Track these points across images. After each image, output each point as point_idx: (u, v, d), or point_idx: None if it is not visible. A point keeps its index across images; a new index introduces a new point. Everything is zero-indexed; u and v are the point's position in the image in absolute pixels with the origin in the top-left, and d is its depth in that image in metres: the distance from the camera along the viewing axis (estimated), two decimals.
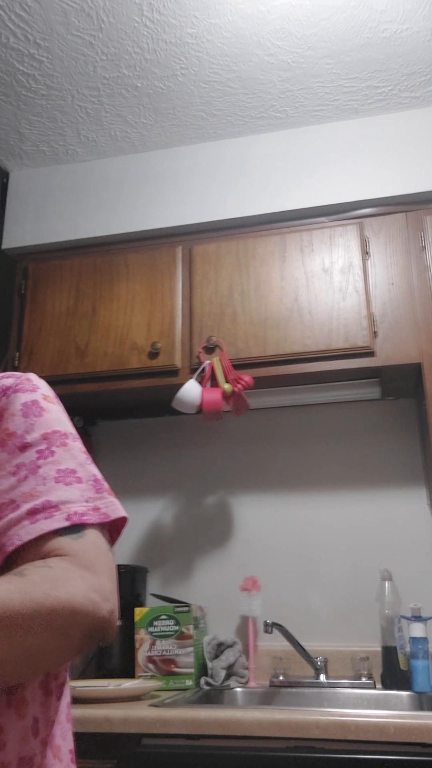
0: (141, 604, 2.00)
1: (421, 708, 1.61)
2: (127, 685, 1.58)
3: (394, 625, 1.74)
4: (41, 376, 1.94)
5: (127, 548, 2.14)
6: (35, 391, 0.75)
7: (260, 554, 2.05)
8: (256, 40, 1.77)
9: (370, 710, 1.29)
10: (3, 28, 1.71)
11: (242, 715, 1.27)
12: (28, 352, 2.02)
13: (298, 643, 1.80)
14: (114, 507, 0.70)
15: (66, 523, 0.64)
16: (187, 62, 1.83)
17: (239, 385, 1.81)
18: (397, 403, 2.09)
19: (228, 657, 1.80)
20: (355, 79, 1.90)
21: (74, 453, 0.71)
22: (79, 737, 1.32)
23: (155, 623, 1.78)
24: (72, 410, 2.13)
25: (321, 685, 1.76)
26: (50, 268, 2.11)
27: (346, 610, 1.94)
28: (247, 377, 1.83)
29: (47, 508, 0.65)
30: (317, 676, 1.79)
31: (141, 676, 1.76)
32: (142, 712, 1.33)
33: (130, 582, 1.97)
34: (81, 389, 1.97)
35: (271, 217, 2.01)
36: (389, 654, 1.72)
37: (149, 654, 1.77)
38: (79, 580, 0.60)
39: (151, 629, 1.78)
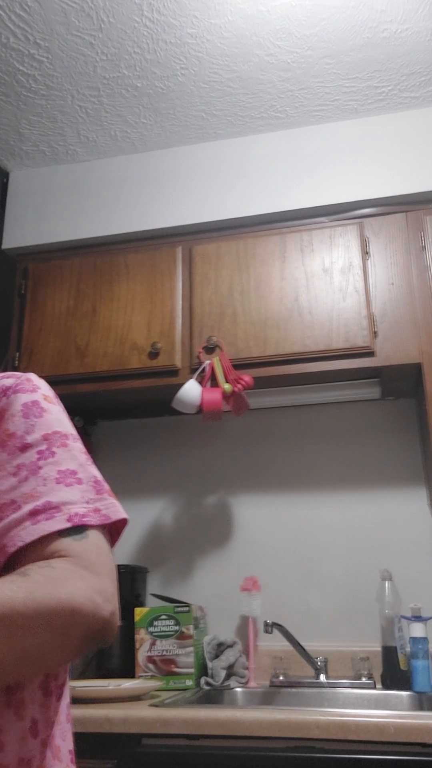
0: (141, 604, 2.00)
1: (421, 708, 1.61)
2: (127, 685, 1.58)
3: (394, 625, 1.74)
4: (41, 376, 1.94)
5: (127, 548, 2.14)
6: (35, 391, 0.75)
7: (260, 554, 2.05)
8: (256, 40, 1.77)
9: (370, 710, 1.29)
10: (3, 28, 1.71)
11: (242, 715, 1.27)
12: (28, 352, 2.02)
13: (298, 643, 1.80)
14: (114, 508, 0.70)
15: (67, 525, 0.64)
16: (187, 62, 1.83)
17: (239, 385, 1.81)
18: (397, 403, 2.09)
19: (228, 657, 1.80)
20: (355, 79, 1.90)
21: (75, 454, 0.71)
22: (79, 737, 1.32)
23: (155, 623, 1.79)
24: (72, 410, 2.12)
25: (321, 685, 1.76)
26: (50, 268, 2.11)
27: (346, 610, 1.94)
28: (247, 377, 1.83)
29: (48, 509, 0.65)
30: (317, 676, 1.79)
31: (141, 676, 1.76)
32: (142, 712, 1.33)
33: (130, 582, 1.97)
34: (81, 389, 1.97)
35: (271, 217, 2.01)
36: (389, 654, 1.72)
37: (149, 654, 1.77)
38: (80, 581, 0.60)
39: (151, 629, 1.78)
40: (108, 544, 0.68)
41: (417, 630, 1.66)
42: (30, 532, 0.63)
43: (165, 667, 1.75)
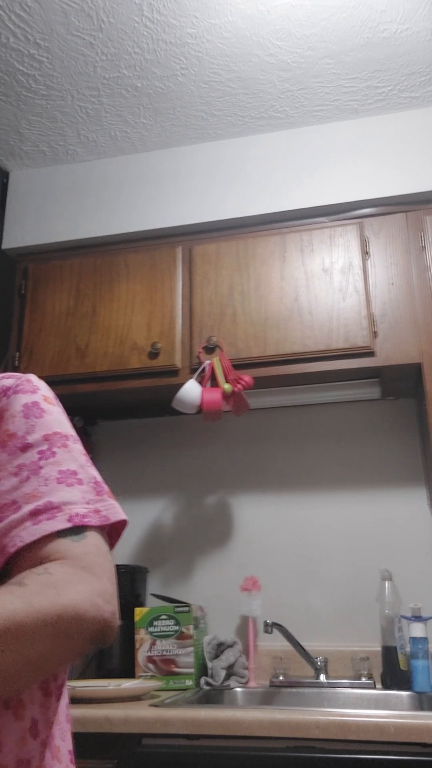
0: (141, 604, 2.00)
1: (421, 708, 1.61)
2: (127, 685, 1.59)
3: (394, 625, 1.74)
4: (41, 377, 1.95)
5: (127, 548, 2.14)
6: (36, 392, 0.75)
7: (260, 554, 2.05)
8: (256, 41, 1.77)
9: (370, 710, 1.29)
10: (3, 28, 1.71)
11: (242, 715, 1.27)
12: (29, 353, 2.02)
13: (298, 643, 1.80)
14: (114, 510, 0.70)
15: (68, 525, 0.64)
16: (187, 62, 1.83)
17: (239, 385, 1.81)
18: (397, 403, 2.09)
19: (228, 657, 1.80)
20: (355, 79, 1.90)
21: (75, 455, 0.71)
22: (79, 737, 1.32)
23: (155, 623, 1.79)
24: (72, 410, 2.13)
25: (321, 685, 1.76)
26: (50, 268, 2.11)
27: (346, 610, 1.94)
28: (247, 377, 1.83)
29: (49, 509, 0.65)
30: (317, 676, 1.79)
31: (141, 676, 1.76)
32: (142, 712, 1.33)
33: (130, 582, 1.97)
34: (81, 389, 1.97)
35: (271, 217, 2.01)
36: (389, 654, 1.72)
37: (149, 654, 1.77)
38: (80, 584, 0.59)
39: (151, 629, 1.78)
40: (107, 545, 0.68)
41: (417, 630, 1.66)
42: (31, 533, 0.63)
43: (165, 667, 1.75)
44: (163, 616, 1.79)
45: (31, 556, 0.63)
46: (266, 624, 1.74)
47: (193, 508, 2.15)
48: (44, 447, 0.70)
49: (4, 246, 2.17)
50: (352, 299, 1.85)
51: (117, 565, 1.46)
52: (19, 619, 0.54)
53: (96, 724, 1.32)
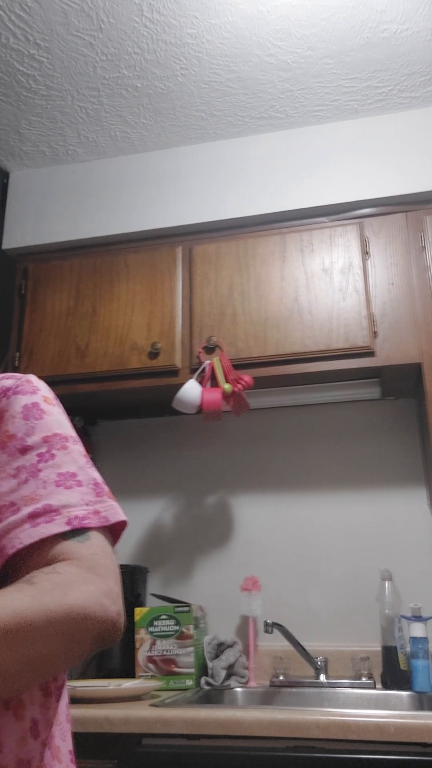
0: (141, 604, 2.00)
1: (421, 708, 1.61)
2: (127, 685, 1.59)
3: (395, 625, 1.74)
4: (41, 377, 1.95)
5: (127, 548, 2.14)
6: (36, 393, 0.75)
7: (260, 554, 2.05)
8: (256, 41, 1.77)
9: (371, 710, 1.29)
10: (3, 28, 1.71)
11: (242, 715, 1.27)
12: (29, 353, 2.03)
13: (299, 643, 1.81)
14: (114, 511, 0.70)
15: (66, 528, 0.64)
16: (187, 63, 1.83)
17: (239, 385, 1.81)
18: (397, 403, 2.09)
19: (228, 657, 1.81)
20: (355, 79, 1.90)
21: (74, 456, 0.71)
22: (79, 737, 1.32)
23: (155, 623, 1.79)
24: (72, 410, 2.13)
25: (321, 685, 1.76)
26: (50, 268, 2.11)
27: (346, 610, 1.94)
28: (247, 377, 1.83)
29: (48, 512, 0.65)
30: (317, 676, 1.79)
31: (141, 676, 1.76)
32: (142, 712, 1.33)
33: (131, 582, 1.97)
34: (81, 389, 1.97)
35: (271, 217, 2.01)
36: (389, 654, 1.72)
37: (149, 654, 1.77)
38: (87, 585, 0.60)
39: (151, 629, 1.78)
40: (110, 546, 0.68)
41: (417, 630, 1.66)
42: (29, 535, 0.63)
43: (165, 667, 1.75)
44: (164, 616, 1.79)
45: (35, 558, 0.63)
46: (266, 624, 1.75)
47: (193, 508, 2.15)
48: (43, 449, 0.70)
49: (4, 246, 2.17)
50: (352, 299, 1.85)
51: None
52: (28, 616, 0.54)
53: (96, 724, 1.32)
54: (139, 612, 1.81)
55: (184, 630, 1.77)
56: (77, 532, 0.65)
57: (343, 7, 1.68)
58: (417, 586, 1.91)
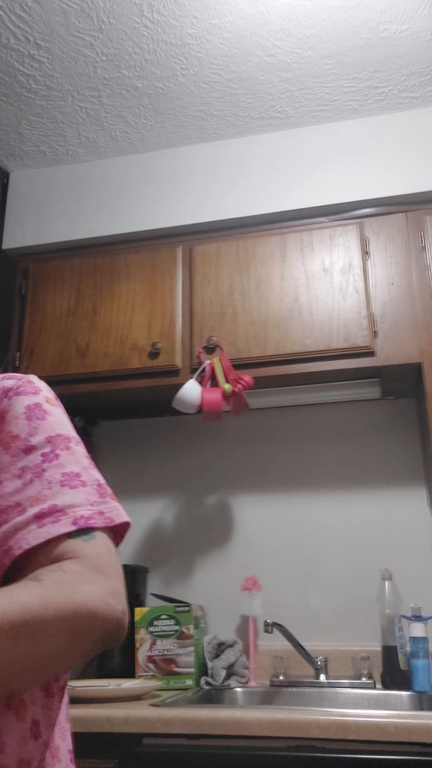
0: (141, 604, 2.00)
1: (421, 708, 1.61)
2: (127, 684, 1.59)
3: (395, 625, 1.74)
4: (42, 377, 1.95)
5: (127, 548, 2.14)
6: (37, 393, 0.75)
7: (260, 554, 2.05)
8: (256, 41, 1.77)
9: (371, 710, 1.29)
10: (3, 29, 1.72)
11: (243, 714, 1.28)
12: (29, 353, 2.03)
13: (299, 643, 1.81)
14: (118, 512, 0.70)
15: (72, 528, 0.64)
16: (187, 63, 1.83)
17: (239, 385, 1.82)
18: (397, 403, 2.09)
19: (228, 657, 1.81)
20: (355, 79, 1.90)
21: (78, 457, 0.71)
22: (79, 737, 1.32)
23: (156, 623, 1.79)
24: (73, 410, 2.13)
25: (321, 685, 1.76)
26: (51, 268, 2.12)
27: (346, 609, 1.94)
28: (247, 377, 1.83)
29: (54, 512, 0.65)
30: (317, 676, 1.79)
31: (141, 675, 1.76)
32: (142, 711, 1.33)
33: (131, 582, 1.97)
34: (82, 389, 1.97)
35: (271, 217, 2.01)
36: (389, 654, 1.72)
37: (150, 654, 1.77)
38: (93, 584, 0.60)
39: (151, 629, 1.79)
40: (114, 546, 0.68)
41: (417, 630, 1.66)
42: (36, 536, 0.63)
43: (165, 666, 1.75)
44: (164, 616, 1.79)
45: (41, 557, 0.63)
46: (266, 624, 1.75)
47: (193, 508, 2.15)
48: (47, 449, 0.70)
49: (5, 246, 2.17)
50: (352, 299, 1.85)
51: None
52: (36, 613, 0.54)
53: (97, 724, 1.32)
54: (139, 612, 1.81)
55: (184, 630, 1.77)
56: (83, 531, 0.65)
57: (343, 7, 1.68)
58: (417, 586, 1.91)
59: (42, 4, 1.65)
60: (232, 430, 2.19)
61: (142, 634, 1.79)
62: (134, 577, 1.99)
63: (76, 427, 0.74)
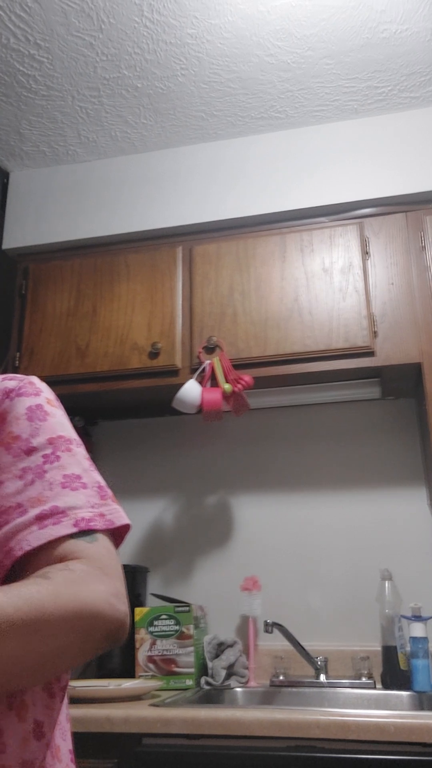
0: (141, 604, 2.00)
1: (421, 708, 1.61)
2: (127, 684, 1.59)
3: (395, 625, 1.74)
4: (42, 377, 1.95)
5: (127, 548, 2.14)
6: (39, 394, 0.75)
7: (260, 554, 2.05)
8: (256, 41, 1.77)
9: (371, 710, 1.29)
10: (3, 29, 1.71)
11: (243, 714, 1.28)
12: (29, 353, 2.03)
13: (299, 643, 1.81)
14: (118, 514, 0.70)
15: (74, 529, 0.65)
16: (187, 63, 1.83)
17: (239, 385, 1.82)
18: (397, 403, 2.09)
19: (228, 657, 1.81)
20: (355, 79, 1.90)
21: (79, 459, 0.72)
22: (80, 737, 1.32)
23: (156, 623, 1.79)
24: (73, 410, 2.13)
25: (321, 685, 1.76)
26: (51, 268, 2.12)
27: (346, 609, 1.94)
28: (247, 377, 1.83)
29: (55, 513, 0.65)
30: (317, 676, 1.79)
31: (141, 675, 1.76)
32: (142, 711, 1.33)
33: (131, 582, 1.97)
34: (82, 389, 1.97)
35: (271, 217, 2.01)
36: (389, 654, 1.72)
37: (150, 654, 1.77)
38: (99, 584, 0.60)
39: (151, 629, 1.79)
40: (114, 548, 0.68)
41: (417, 630, 1.67)
42: (37, 537, 0.63)
43: (165, 666, 1.75)
44: (164, 616, 1.79)
45: (43, 558, 0.63)
46: (266, 624, 1.75)
47: (193, 508, 2.15)
48: (49, 451, 0.70)
49: (5, 246, 2.17)
50: (352, 299, 1.85)
51: None
52: (46, 610, 0.54)
53: (97, 724, 1.32)
54: (139, 612, 1.81)
55: (184, 630, 1.77)
56: (84, 533, 0.65)
57: (343, 7, 1.68)
58: (417, 586, 1.91)
59: (42, 4, 1.66)
60: (232, 430, 2.19)
61: (142, 634, 1.79)
62: (134, 577, 1.99)
63: (76, 427, 0.74)
